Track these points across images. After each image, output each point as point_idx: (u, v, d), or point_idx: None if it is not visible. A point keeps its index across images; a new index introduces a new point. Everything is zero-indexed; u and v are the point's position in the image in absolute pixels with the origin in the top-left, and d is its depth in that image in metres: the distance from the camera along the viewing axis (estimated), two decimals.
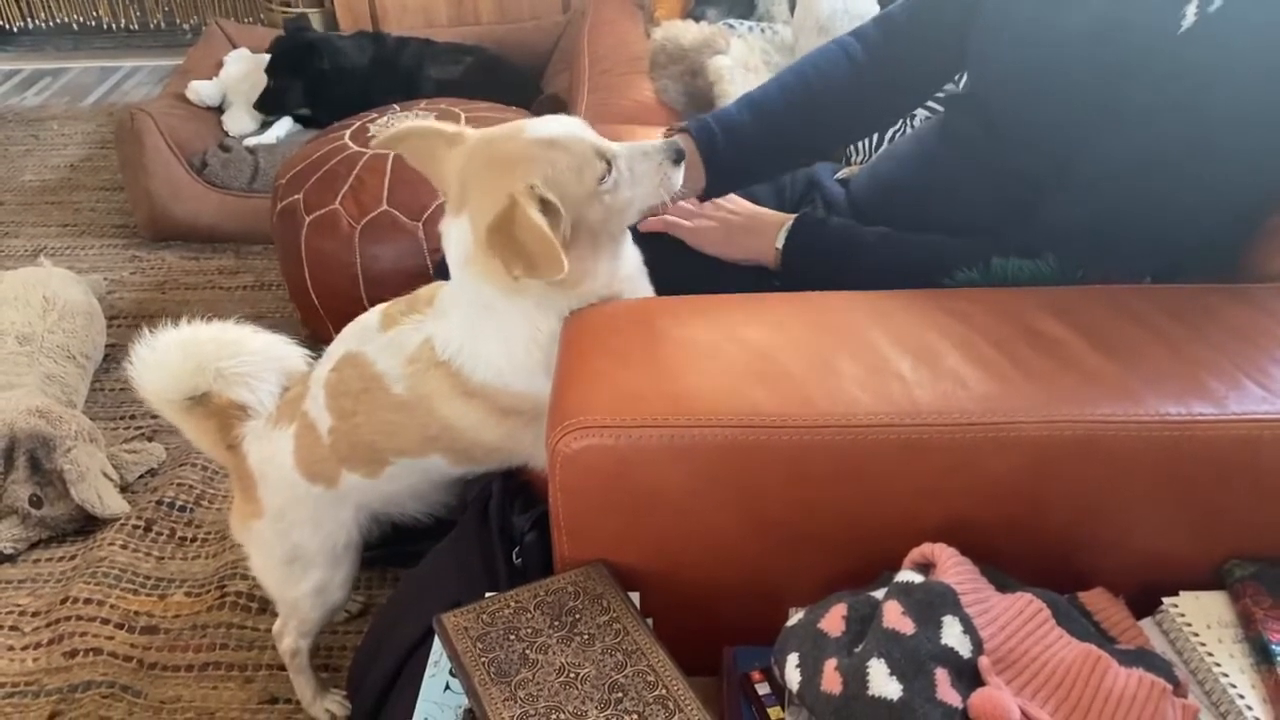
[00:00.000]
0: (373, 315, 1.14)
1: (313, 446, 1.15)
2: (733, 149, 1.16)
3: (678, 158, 1.03)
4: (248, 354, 1.19)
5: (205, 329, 1.19)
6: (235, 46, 3.15)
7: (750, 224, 1.23)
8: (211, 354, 1.17)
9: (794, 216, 1.20)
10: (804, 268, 1.17)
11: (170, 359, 1.18)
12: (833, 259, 1.16)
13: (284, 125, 2.90)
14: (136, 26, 4.28)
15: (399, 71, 2.84)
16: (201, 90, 2.94)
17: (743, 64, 1.92)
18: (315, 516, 1.20)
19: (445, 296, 1.07)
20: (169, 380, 1.19)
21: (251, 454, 1.20)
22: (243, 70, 2.98)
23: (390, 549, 1.43)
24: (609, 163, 0.98)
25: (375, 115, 2.28)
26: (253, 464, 1.20)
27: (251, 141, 2.84)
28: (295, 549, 1.23)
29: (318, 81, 2.81)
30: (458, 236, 1.00)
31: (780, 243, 1.18)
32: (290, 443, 1.16)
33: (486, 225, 0.93)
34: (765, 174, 1.30)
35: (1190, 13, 0.95)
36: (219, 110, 2.98)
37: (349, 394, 1.10)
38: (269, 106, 2.87)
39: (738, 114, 1.19)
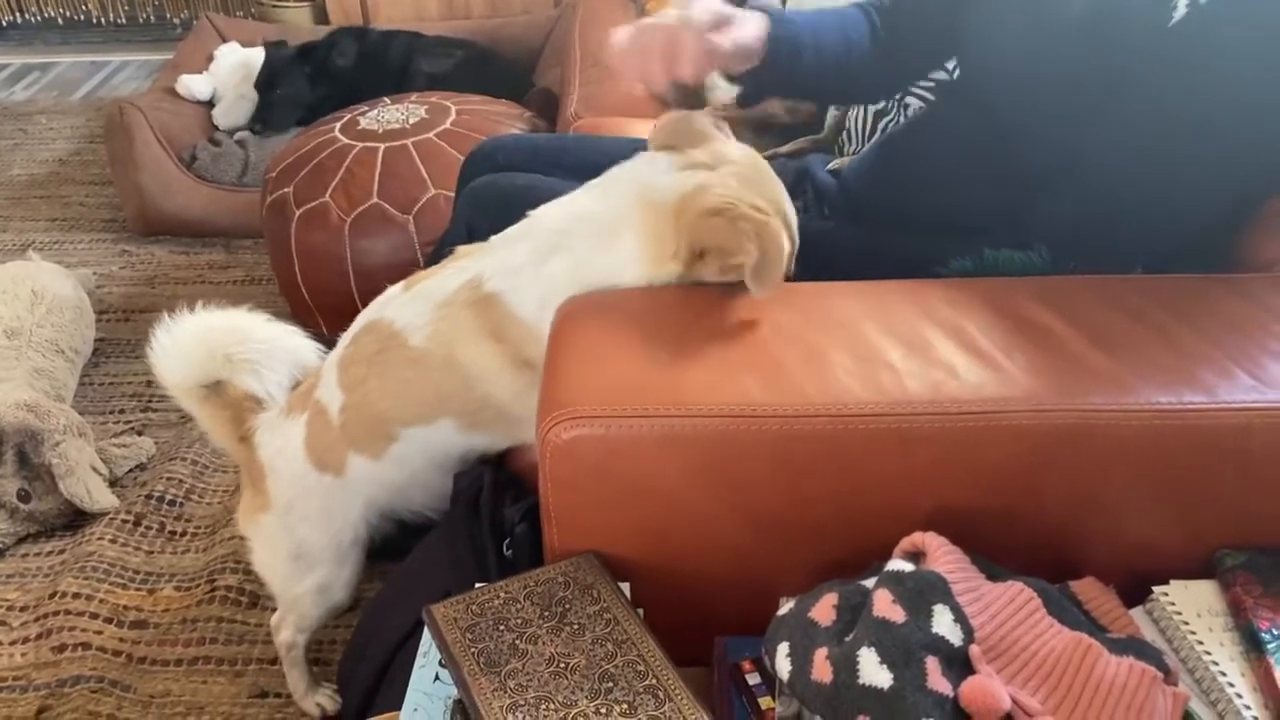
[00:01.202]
0: (397, 285, 1.14)
1: (323, 431, 1.15)
2: (788, 63, 1.17)
3: None
4: (257, 341, 1.19)
5: (221, 315, 1.20)
6: (225, 40, 3.14)
7: None
8: (223, 340, 1.18)
9: None
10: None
11: (186, 345, 1.19)
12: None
13: None
14: (125, 21, 4.26)
15: (388, 65, 2.83)
16: (191, 84, 2.93)
17: None
18: (324, 509, 1.20)
19: (526, 224, 1.07)
20: (185, 366, 1.20)
21: (263, 446, 1.20)
22: (233, 64, 2.96)
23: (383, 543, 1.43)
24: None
25: (365, 108, 2.28)
26: (264, 456, 1.20)
27: (241, 135, 2.83)
28: (301, 545, 1.22)
29: (324, 81, 2.82)
30: (656, 168, 1.02)
31: None
32: (301, 431, 1.16)
33: (713, 204, 0.96)
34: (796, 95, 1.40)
35: (1181, 4, 0.95)
36: (209, 104, 2.96)
37: (362, 360, 1.10)
38: (273, 120, 2.86)
39: (805, 30, 1.18)
